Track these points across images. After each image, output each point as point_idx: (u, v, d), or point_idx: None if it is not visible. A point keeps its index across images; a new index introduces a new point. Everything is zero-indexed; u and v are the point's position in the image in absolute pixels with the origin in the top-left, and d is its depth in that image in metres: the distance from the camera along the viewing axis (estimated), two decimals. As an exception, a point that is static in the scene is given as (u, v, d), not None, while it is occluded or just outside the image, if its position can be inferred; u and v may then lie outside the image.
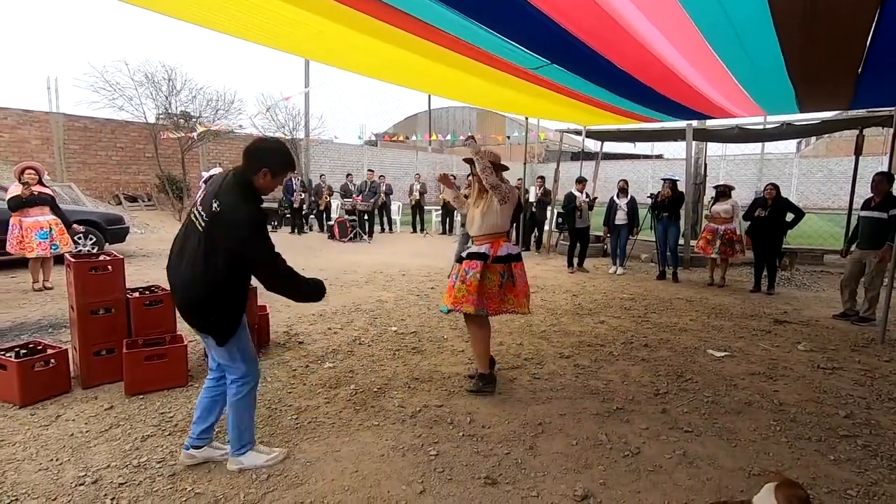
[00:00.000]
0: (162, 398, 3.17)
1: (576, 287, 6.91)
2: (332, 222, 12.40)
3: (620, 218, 7.99)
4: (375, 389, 3.38)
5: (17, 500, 2.17)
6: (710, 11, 2.79)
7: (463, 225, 3.79)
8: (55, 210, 6.12)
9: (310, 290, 2.39)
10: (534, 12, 2.86)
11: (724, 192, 7.14)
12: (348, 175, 13.76)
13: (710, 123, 8.77)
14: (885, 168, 6.45)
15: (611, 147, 14.24)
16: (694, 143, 9.02)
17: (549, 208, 10.21)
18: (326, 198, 13.42)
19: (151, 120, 13.62)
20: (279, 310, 5.28)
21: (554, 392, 3.40)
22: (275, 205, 13.98)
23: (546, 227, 10.40)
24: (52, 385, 3.15)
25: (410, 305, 5.68)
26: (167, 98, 13.71)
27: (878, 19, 2.79)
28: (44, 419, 2.87)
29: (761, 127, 8.58)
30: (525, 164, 10.77)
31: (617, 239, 8.11)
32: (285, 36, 3.70)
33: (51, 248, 5.99)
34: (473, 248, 3.29)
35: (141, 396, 3.17)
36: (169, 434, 2.74)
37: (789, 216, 6.47)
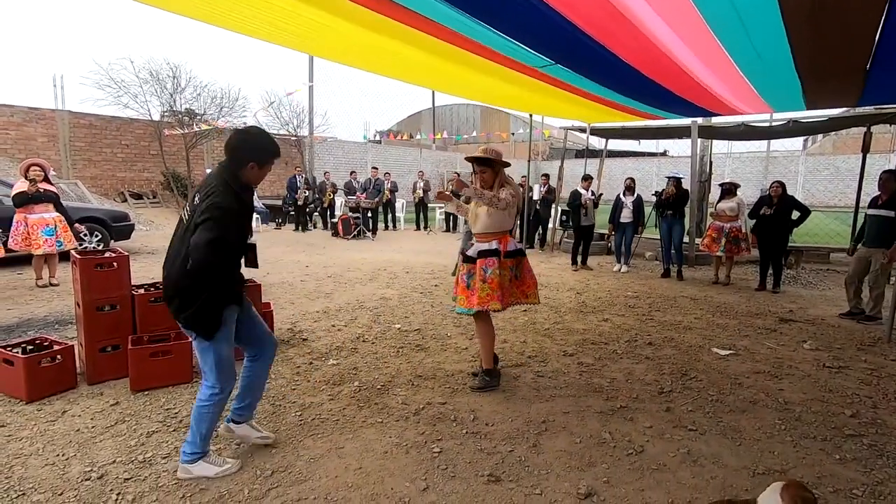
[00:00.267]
0: (167, 394, 3.18)
1: (580, 285, 6.90)
2: (335, 220, 12.43)
3: (626, 216, 7.96)
4: (379, 386, 3.38)
5: (24, 494, 2.19)
6: (718, 2, 2.77)
7: (466, 222, 3.79)
8: (59, 208, 6.16)
9: (203, 311, 2.19)
10: (541, 6, 2.84)
11: (729, 190, 7.08)
12: (352, 172, 13.76)
13: (715, 120, 8.70)
14: (892, 166, 6.41)
15: (615, 144, 14.18)
16: (699, 140, 8.96)
17: (553, 206, 10.20)
18: (330, 195, 13.44)
19: (156, 117, 13.67)
20: (283, 307, 5.30)
21: (558, 390, 3.40)
22: (279, 202, 14.03)
23: (550, 225, 10.39)
24: (58, 381, 3.18)
25: (414, 303, 5.69)
26: (172, 95, 13.75)
27: (887, 14, 2.76)
28: (50, 415, 2.90)
29: (767, 124, 8.50)
30: (529, 161, 10.75)
31: (622, 237, 8.09)
32: (291, 32, 3.70)
33: (56, 245, 6.03)
34: (482, 246, 3.28)
35: (146, 392, 3.20)
36: (174, 430, 2.75)
37: (795, 214, 6.43)
